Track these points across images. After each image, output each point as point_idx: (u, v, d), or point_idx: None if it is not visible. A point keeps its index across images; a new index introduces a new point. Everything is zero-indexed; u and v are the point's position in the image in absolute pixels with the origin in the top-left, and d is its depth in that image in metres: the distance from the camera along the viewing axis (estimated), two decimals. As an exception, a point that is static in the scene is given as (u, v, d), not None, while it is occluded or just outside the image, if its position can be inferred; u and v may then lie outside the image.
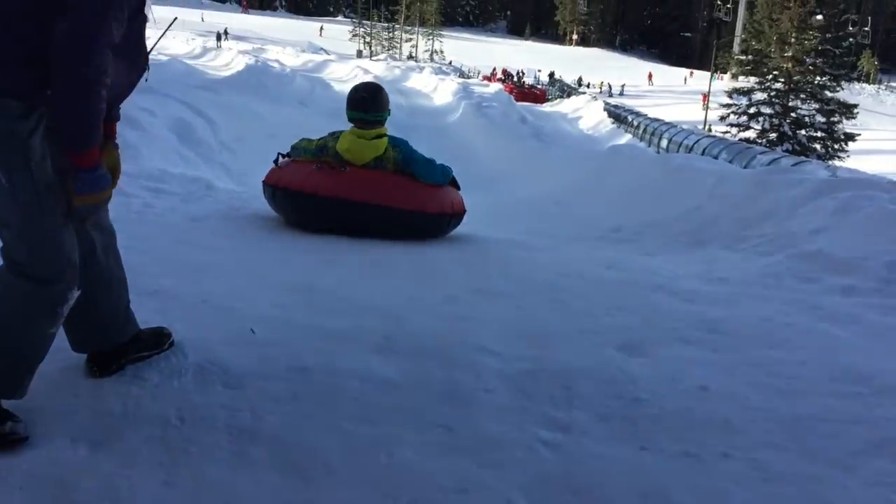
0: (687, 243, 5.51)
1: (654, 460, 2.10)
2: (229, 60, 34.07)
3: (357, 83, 5.18)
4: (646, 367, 2.72)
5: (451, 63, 70.01)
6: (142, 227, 4.07)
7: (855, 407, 2.43)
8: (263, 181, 4.88)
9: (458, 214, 4.98)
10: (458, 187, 5.14)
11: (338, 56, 53.40)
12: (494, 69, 62.44)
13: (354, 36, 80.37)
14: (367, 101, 4.70)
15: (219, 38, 54.84)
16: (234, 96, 13.06)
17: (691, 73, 74.21)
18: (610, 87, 59.20)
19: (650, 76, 69.03)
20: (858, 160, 28.14)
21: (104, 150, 2.03)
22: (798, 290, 3.80)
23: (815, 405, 2.44)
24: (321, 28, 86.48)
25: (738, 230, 5.41)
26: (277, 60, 35.24)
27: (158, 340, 2.43)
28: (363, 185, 4.54)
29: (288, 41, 64.90)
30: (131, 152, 5.87)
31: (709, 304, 3.54)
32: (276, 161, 5.02)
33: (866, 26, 63.71)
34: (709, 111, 38.09)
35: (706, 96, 40.71)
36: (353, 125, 4.80)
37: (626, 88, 58.91)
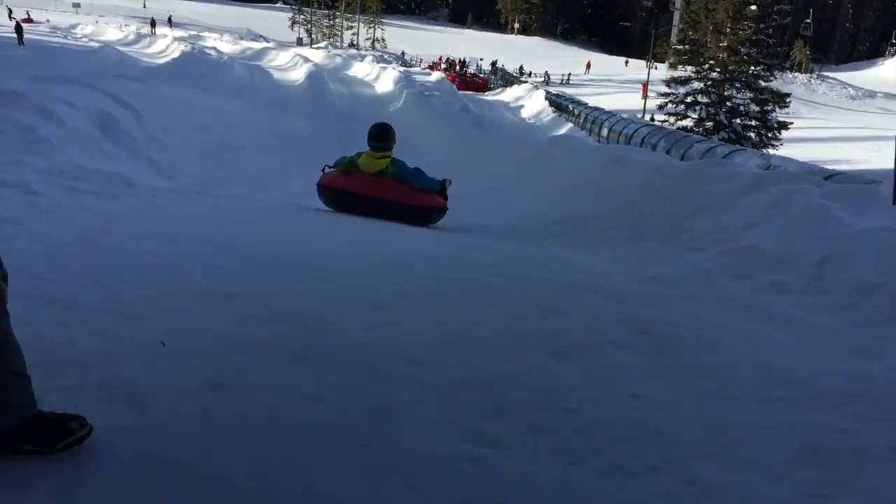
0: (623, 238, 5.49)
1: (584, 475, 2.02)
2: (164, 48, 33.21)
3: (375, 122, 7.47)
4: (578, 374, 2.64)
5: (403, 53, 67.75)
6: (49, 229, 3.80)
7: (787, 413, 2.39)
8: (316, 183, 7.33)
9: (434, 210, 7.12)
10: (445, 196, 7.27)
11: (277, 44, 52.49)
12: (441, 58, 61.69)
13: (294, 23, 79.11)
14: (379, 136, 7.09)
15: (153, 24, 53.29)
16: (164, 86, 12.62)
17: (627, 61, 75.22)
18: (548, 76, 59.44)
19: (588, 65, 69.54)
20: (791, 148, 28.89)
21: None
22: (730, 288, 3.78)
23: (747, 412, 2.39)
24: (292, 18, 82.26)
25: (673, 224, 5.40)
26: (215, 48, 34.41)
27: (54, 434, 1.87)
28: (366, 185, 6.89)
29: (226, 28, 63.59)
30: (44, 147, 5.55)
31: (642, 305, 3.49)
32: (323, 170, 7.37)
33: (808, 18, 65.40)
34: (647, 100, 38.57)
35: (646, 85, 41.23)
36: (369, 149, 7.11)
37: (569, 77, 59.22)
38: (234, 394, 2.29)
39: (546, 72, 60.83)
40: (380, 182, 6.92)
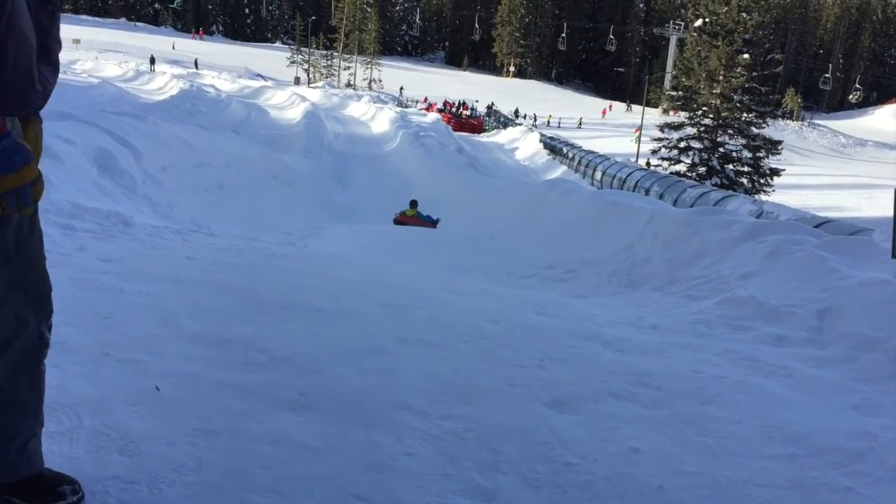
0: (619, 284, 5.46)
1: (584, 534, 1.97)
2: (163, 84, 33.47)
3: (411, 198, 15.60)
4: (576, 425, 2.60)
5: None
6: (45, 268, 3.77)
7: (790, 470, 2.35)
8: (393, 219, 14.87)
9: (429, 228, 13.35)
10: (434, 223, 14.34)
11: (275, 82, 52.96)
12: (445, 101, 61.39)
13: (292, 63, 79.84)
14: (412, 204, 15.07)
15: (153, 61, 53.81)
16: (162, 123, 12.67)
17: (610, 106, 76.05)
18: (535, 117, 60.14)
19: (604, 112, 70.08)
20: (783, 194, 29.12)
21: (28, 126, 1.63)
22: (729, 339, 3.75)
23: (749, 468, 2.35)
24: (291, 58, 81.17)
25: (670, 271, 5.38)
26: (213, 86, 34.68)
27: (46, 495, 1.83)
28: (407, 220, 14.58)
29: (225, 66, 64.23)
30: (42, 185, 5.52)
31: (640, 355, 3.46)
32: (396, 214, 15.16)
33: (827, 73, 66.98)
34: (641, 144, 38.88)
35: (639, 130, 41.61)
36: (408, 206, 15.08)
37: (562, 121, 59.67)
38: (229, 442, 2.24)
39: (535, 114, 61.16)
40: (410, 218, 14.37)
